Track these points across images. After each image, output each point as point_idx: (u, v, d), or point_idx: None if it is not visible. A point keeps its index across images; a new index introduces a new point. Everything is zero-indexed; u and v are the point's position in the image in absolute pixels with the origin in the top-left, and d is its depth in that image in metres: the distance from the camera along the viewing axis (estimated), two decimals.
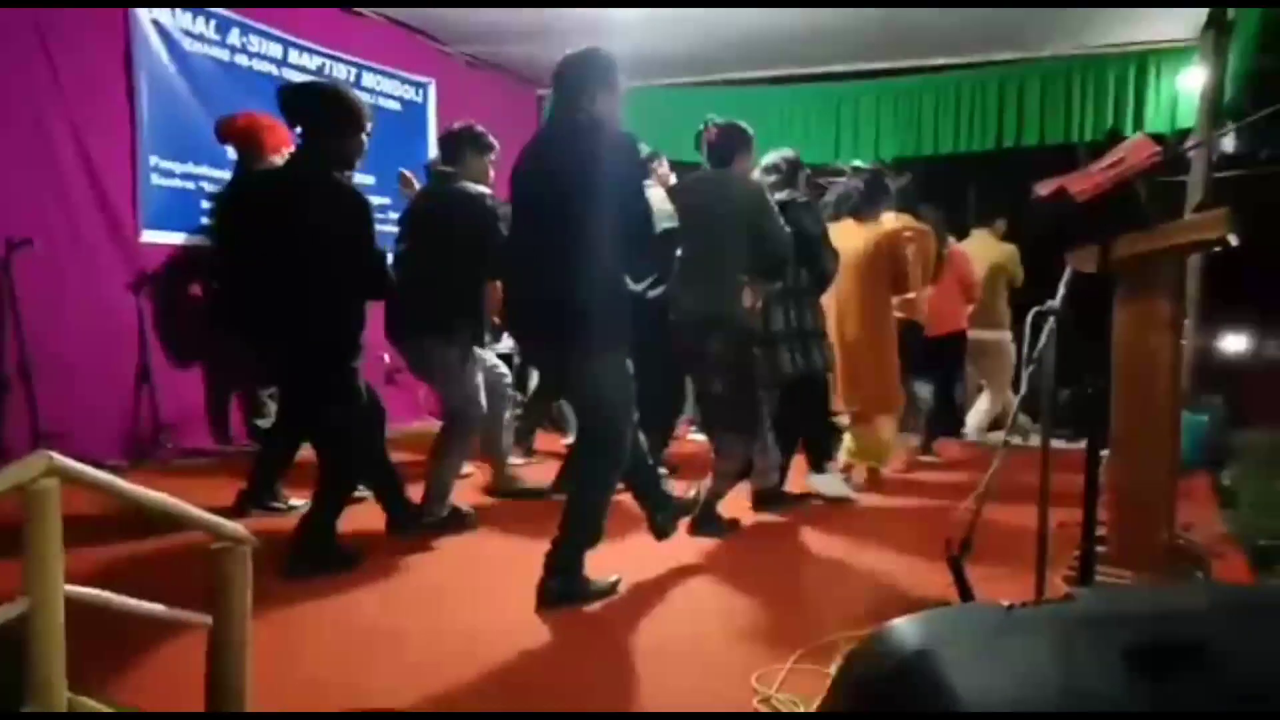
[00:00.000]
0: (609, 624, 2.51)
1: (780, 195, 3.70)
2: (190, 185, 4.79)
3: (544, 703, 1.98)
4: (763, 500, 3.89)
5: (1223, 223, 2.32)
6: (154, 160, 4.60)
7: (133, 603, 1.57)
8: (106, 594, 1.47)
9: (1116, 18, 5.30)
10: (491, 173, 3.72)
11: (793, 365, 3.79)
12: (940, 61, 6.17)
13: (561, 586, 2.58)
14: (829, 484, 4.14)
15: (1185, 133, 5.69)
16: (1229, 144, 7.50)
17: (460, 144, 3.65)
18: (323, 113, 2.92)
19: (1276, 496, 3.75)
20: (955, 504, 3.11)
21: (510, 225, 2.86)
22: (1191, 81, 5.50)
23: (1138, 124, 5.65)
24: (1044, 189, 2.14)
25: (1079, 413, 4.78)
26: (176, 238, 4.68)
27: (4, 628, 1.24)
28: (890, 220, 4.40)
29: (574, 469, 3.02)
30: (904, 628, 1.11)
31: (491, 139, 3.72)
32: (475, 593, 2.76)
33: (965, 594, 2.16)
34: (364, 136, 3.00)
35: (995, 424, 5.75)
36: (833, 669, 1.97)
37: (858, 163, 4.91)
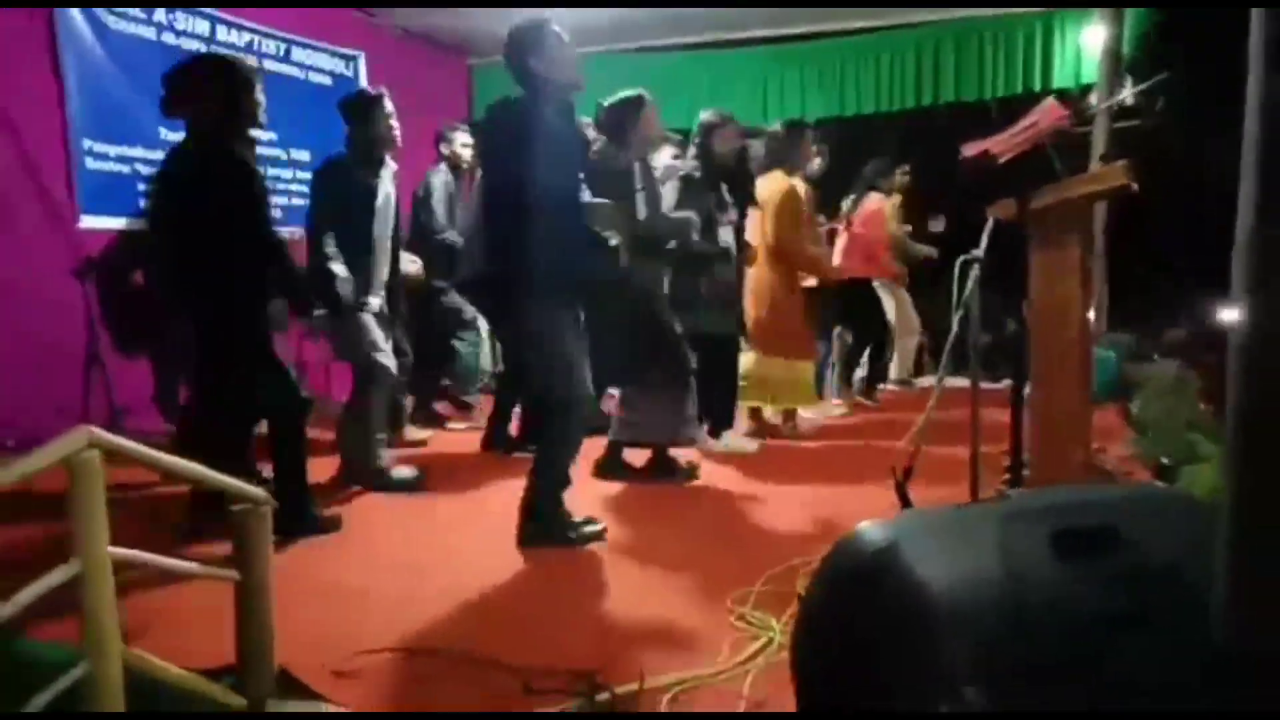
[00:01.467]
0: (588, 560, 2.72)
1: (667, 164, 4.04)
2: (125, 168, 4.73)
3: (531, 632, 2.17)
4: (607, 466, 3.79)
5: (1122, 173, 2.58)
6: (87, 144, 4.54)
7: (169, 561, 1.70)
8: (145, 554, 1.60)
9: None
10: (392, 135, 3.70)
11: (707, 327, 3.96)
12: (859, 25, 6.39)
13: (536, 530, 2.79)
14: (740, 442, 4.37)
15: (1089, 87, 6.06)
16: (1128, 95, 7.92)
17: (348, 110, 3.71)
18: (196, 85, 2.92)
19: (1176, 421, 4.13)
20: (893, 442, 3.40)
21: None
22: (1093, 39, 5.85)
23: (1045, 81, 5.99)
24: (970, 150, 2.38)
25: (1000, 355, 5.17)
26: (117, 222, 4.63)
27: None
28: (778, 178, 4.57)
29: (536, 427, 3.22)
30: (871, 528, 1.33)
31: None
32: (450, 542, 2.92)
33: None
34: (252, 96, 2.95)
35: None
36: (798, 587, 2.21)
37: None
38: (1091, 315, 2.76)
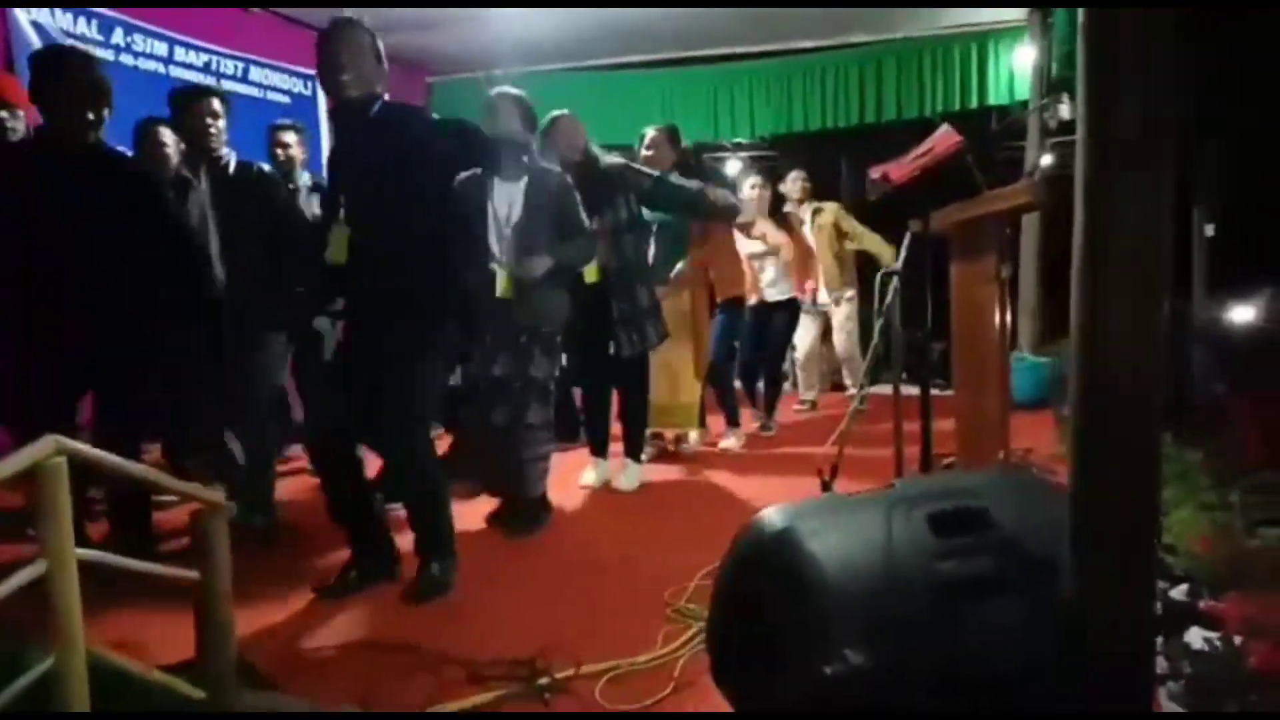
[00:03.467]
0: (532, 562, 2.86)
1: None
2: None
3: (476, 627, 2.30)
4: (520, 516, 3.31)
5: (1028, 192, 2.78)
6: None
7: (131, 562, 1.81)
8: (109, 555, 1.71)
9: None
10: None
11: (629, 347, 3.70)
12: (806, 44, 6.62)
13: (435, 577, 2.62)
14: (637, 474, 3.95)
15: (1024, 104, 6.34)
16: (1065, 112, 8.25)
17: None
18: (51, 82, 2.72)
19: None
20: (821, 446, 3.58)
21: None
22: (1024, 58, 6.14)
23: (981, 98, 6.26)
24: (875, 173, 2.57)
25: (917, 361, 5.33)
26: None
27: None
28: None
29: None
30: (771, 513, 1.49)
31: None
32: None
33: None
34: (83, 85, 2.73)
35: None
36: None
37: (738, 140, 5.32)
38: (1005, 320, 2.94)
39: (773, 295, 5.31)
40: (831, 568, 1.39)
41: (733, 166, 8.76)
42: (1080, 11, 1.28)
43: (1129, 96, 1.23)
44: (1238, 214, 7.59)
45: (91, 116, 2.74)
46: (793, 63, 6.75)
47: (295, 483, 3.87)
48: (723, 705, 1.63)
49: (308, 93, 6.35)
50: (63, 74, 2.72)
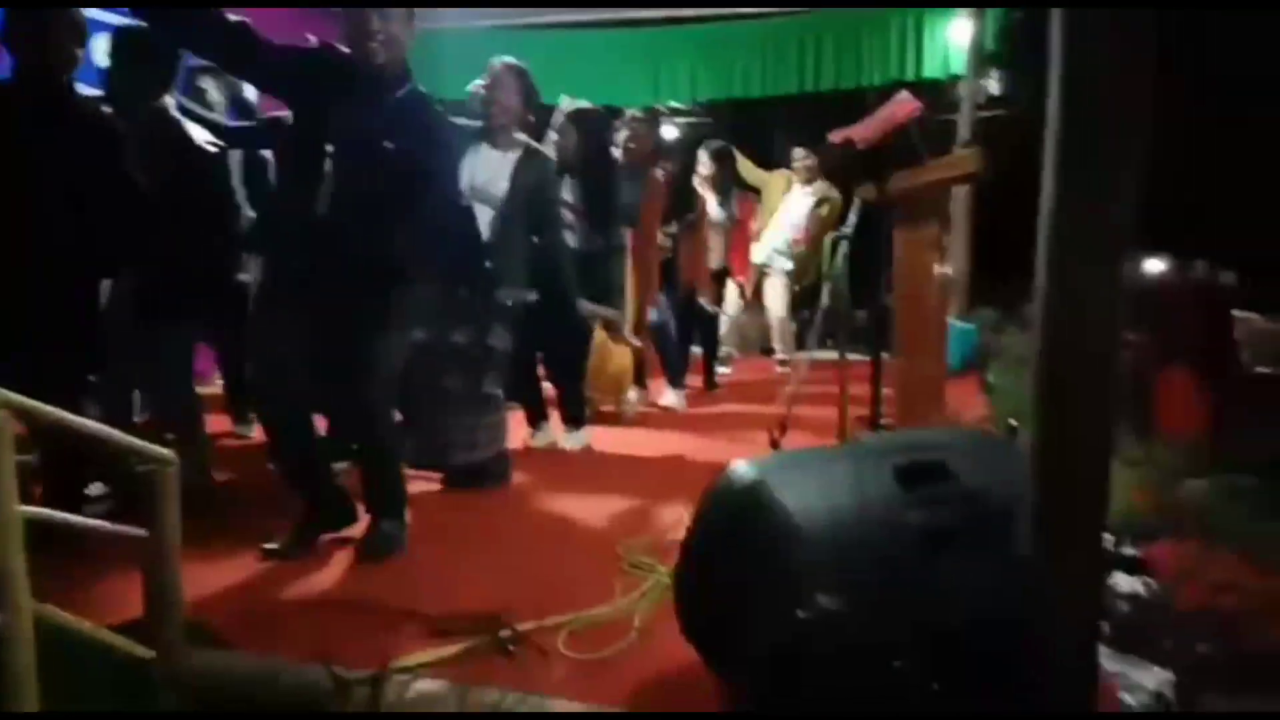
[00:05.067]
0: (489, 520, 2.86)
1: None
2: None
3: (437, 583, 2.29)
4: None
5: (973, 160, 2.86)
6: None
7: (77, 519, 1.76)
8: (54, 512, 1.66)
9: None
10: None
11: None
12: (747, 10, 6.63)
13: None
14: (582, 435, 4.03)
15: (958, 78, 6.48)
16: (994, 87, 8.47)
17: None
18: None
19: (1024, 387, 4.53)
20: (771, 407, 3.66)
21: None
22: (959, 33, 6.27)
23: (918, 71, 6.38)
24: (836, 137, 2.61)
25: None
26: None
27: None
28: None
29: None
30: (741, 466, 1.52)
31: None
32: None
33: None
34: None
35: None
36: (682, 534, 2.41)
37: (674, 104, 5.32)
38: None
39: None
40: (803, 518, 1.43)
41: (669, 132, 8.74)
42: None
43: (1108, 72, 1.28)
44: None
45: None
46: (733, 28, 6.75)
47: (225, 442, 3.78)
48: (683, 653, 1.67)
49: None
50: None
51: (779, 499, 1.45)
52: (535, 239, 3.31)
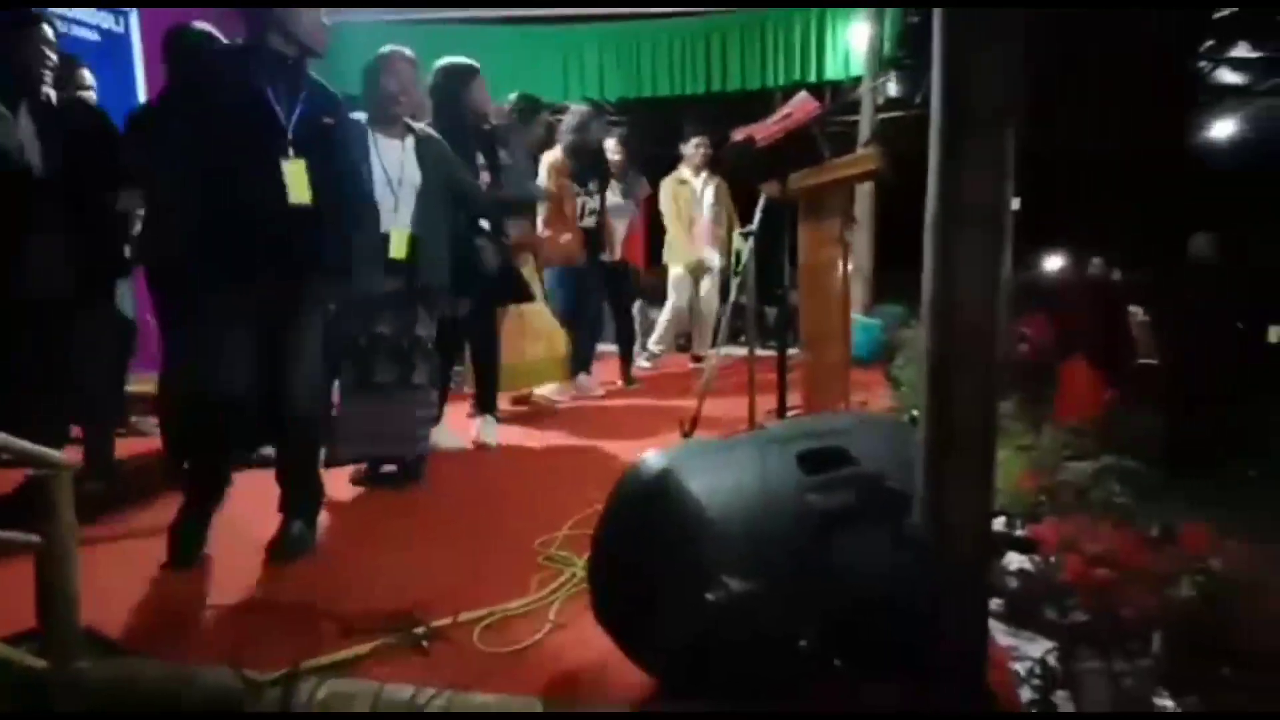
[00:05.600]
0: (404, 519, 2.83)
1: None
2: None
3: (349, 582, 2.27)
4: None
5: (873, 159, 2.98)
6: None
7: None
8: None
9: None
10: None
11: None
12: (655, 10, 6.70)
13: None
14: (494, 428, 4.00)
15: (858, 79, 6.69)
16: (893, 89, 8.78)
17: None
18: None
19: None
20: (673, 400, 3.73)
21: None
22: (859, 36, 6.47)
23: (820, 73, 6.56)
24: (738, 134, 2.68)
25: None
26: None
27: None
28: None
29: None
30: (651, 456, 1.56)
31: None
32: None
33: None
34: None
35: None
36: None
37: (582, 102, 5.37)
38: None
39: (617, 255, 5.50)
40: (711, 503, 1.48)
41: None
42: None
43: (981, 76, 1.36)
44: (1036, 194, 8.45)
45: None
46: (642, 27, 6.81)
47: (125, 445, 3.63)
48: (599, 642, 1.70)
49: (120, 29, 5.82)
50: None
51: (687, 487, 1.49)
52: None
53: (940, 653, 1.48)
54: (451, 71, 3.69)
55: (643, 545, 1.55)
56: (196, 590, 2.25)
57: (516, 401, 4.73)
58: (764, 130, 2.63)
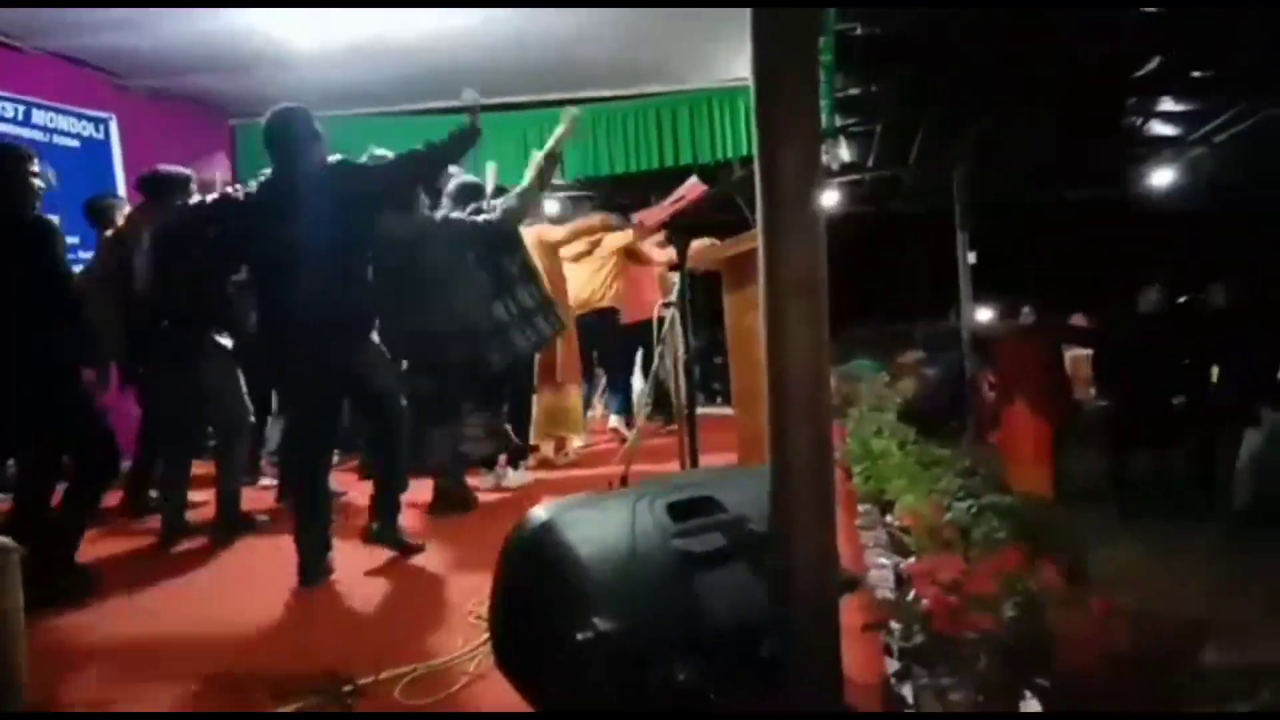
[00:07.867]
0: (347, 581, 2.98)
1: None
2: None
3: (283, 646, 2.40)
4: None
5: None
6: None
7: None
8: None
9: (739, 54, 6.45)
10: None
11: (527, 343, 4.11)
12: (606, 93, 7.04)
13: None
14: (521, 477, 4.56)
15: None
16: (846, 154, 9.15)
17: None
18: None
19: (874, 426, 4.91)
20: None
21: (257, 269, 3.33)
22: None
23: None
24: (634, 218, 2.92)
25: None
26: None
27: None
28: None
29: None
30: (537, 510, 1.73)
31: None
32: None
33: None
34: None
35: None
36: None
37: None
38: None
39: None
40: (585, 550, 1.64)
41: (551, 206, 9.08)
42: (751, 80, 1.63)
43: (788, 151, 1.58)
44: (991, 246, 8.76)
45: None
46: (598, 109, 7.14)
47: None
48: (513, 693, 1.84)
49: (100, 135, 6.13)
50: None
51: (566, 535, 1.66)
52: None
53: (798, 679, 1.62)
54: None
55: (528, 592, 1.70)
56: (126, 655, 2.39)
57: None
58: (651, 216, 2.87)
